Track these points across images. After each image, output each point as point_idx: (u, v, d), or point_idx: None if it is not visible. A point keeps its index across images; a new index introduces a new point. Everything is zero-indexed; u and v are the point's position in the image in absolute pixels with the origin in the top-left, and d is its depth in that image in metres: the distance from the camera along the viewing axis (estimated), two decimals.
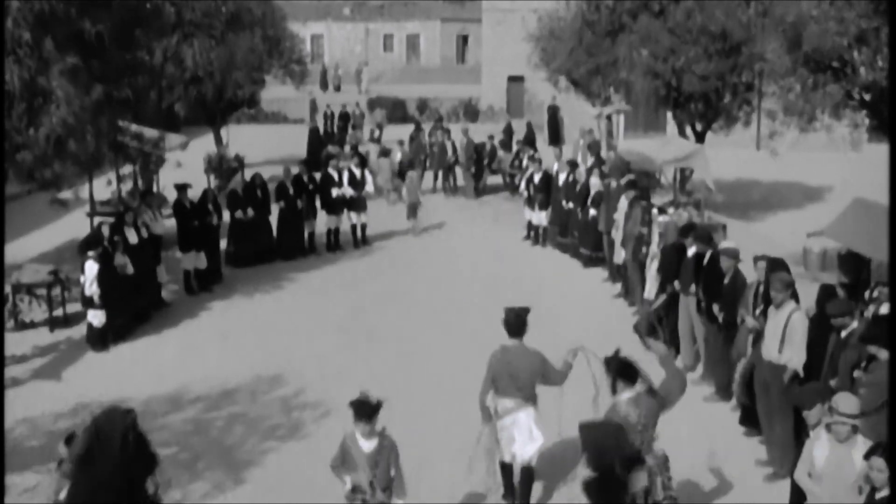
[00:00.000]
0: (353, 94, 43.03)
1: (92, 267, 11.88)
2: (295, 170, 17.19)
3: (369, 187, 17.76)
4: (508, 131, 24.95)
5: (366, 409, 6.33)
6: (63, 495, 5.56)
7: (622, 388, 6.60)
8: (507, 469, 7.98)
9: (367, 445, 6.41)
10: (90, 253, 12.01)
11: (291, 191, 16.56)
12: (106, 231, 12.63)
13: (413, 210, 18.79)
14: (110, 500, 5.22)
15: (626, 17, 18.65)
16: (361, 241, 17.60)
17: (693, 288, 10.65)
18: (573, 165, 17.19)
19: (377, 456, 6.40)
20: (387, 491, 6.45)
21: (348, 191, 17.18)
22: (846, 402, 6.16)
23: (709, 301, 10.15)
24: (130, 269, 12.52)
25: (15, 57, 9.81)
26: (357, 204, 17.40)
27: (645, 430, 6.43)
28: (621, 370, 6.59)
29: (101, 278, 11.88)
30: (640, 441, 6.38)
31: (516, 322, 7.67)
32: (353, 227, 17.50)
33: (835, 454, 6.14)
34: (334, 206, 17.16)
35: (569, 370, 7.55)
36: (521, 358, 7.59)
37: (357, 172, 17.53)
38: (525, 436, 7.67)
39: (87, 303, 12.07)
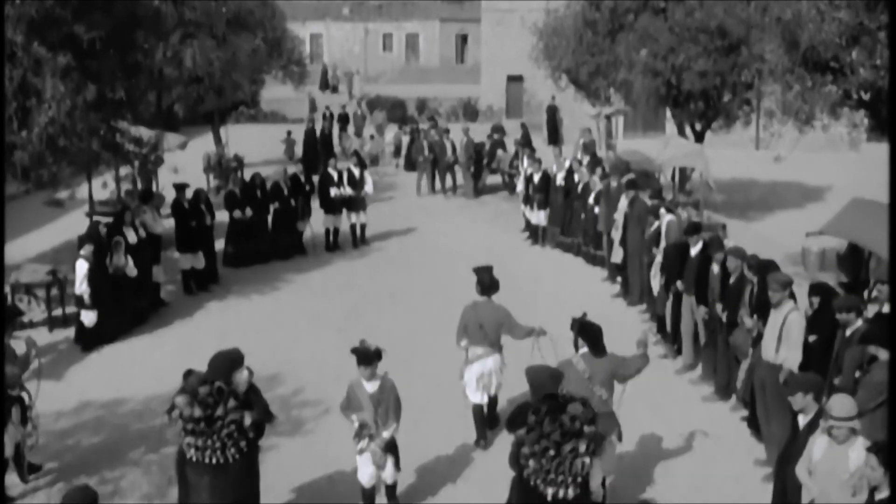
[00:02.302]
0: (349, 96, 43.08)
1: (82, 266, 11.83)
2: (291, 169, 17.22)
3: (368, 187, 17.76)
4: (501, 130, 24.75)
5: (365, 356, 7.36)
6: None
7: (581, 344, 7.64)
8: (478, 411, 9.18)
9: (370, 387, 7.42)
10: (81, 252, 11.95)
11: (286, 191, 16.63)
12: (103, 230, 12.59)
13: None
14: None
15: (626, 16, 18.65)
16: (361, 240, 17.62)
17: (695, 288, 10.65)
18: (579, 164, 17.22)
19: (379, 395, 7.40)
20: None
21: (347, 191, 17.20)
22: (840, 405, 6.14)
23: (713, 301, 10.14)
24: (134, 272, 12.49)
25: (9, 57, 9.81)
26: (356, 204, 17.44)
27: (591, 382, 7.38)
28: (582, 329, 7.62)
29: (92, 278, 11.84)
30: (587, 394, 7.08)
31: (486, 281, 9.10)
32: (353, 227, 17.53)
33: (830, 451, 6.17)
34: (333, 206, 17.19)
35: (529, 334, 8.91)
36: (488, 312, 9.00)
37: (356, 172, 17.55)
38: (490, 380, 9.08)
39: (78, 302, 12.04)
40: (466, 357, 9.10)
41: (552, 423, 6.03)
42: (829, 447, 6.19)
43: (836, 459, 6.11)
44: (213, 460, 6.59)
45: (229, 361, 6.89)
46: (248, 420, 6.65)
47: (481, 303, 9.10)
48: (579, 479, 6.08)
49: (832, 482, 6.10)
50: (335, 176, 17.22)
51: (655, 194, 13.85)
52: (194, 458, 6.63)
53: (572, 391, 6.82)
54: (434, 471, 8.72)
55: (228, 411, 6.58)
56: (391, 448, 7.54)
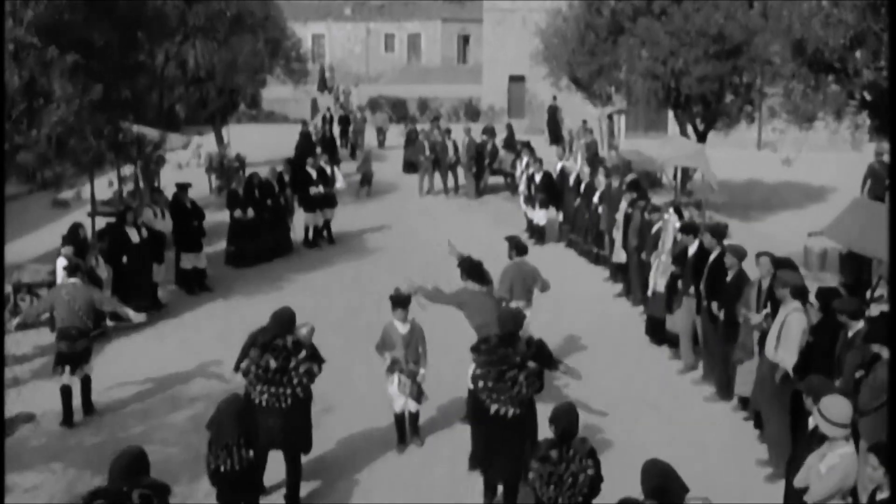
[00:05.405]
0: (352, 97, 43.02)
1: (62, 264, 11.78)
2: (280, 168, 17.55)
3: (339, 184, 18.15)
4: (491, 132, 24.72)
5: (400, 300, 8.86)
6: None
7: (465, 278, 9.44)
8: None
9: (402, 328, 8.87)
10: (63, 250, 11.87)
11: (276, 189, 16.83)
12: (83, 232, 12.55)
13: (367, 179, 22.34)
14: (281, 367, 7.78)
15: (627, 20, 18.66)
16: (327, 237, 18.00)
17: (692, 288, 10.63)
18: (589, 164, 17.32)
19: (409, 337, 8.84)
20: (416, 363, 8.86)
21: (322, 188, 17.53)
22: (836, 409, 6.05)
23: (710, 299, 10.14)
24: (104, 273, 12.42)
25: (16, 57, 9.83)
26: (329, 200, 17.76)
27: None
28: (462, 266, 9.33)
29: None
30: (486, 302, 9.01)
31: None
32: (326, 223, 17.90)
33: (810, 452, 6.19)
34: (312, 204, 17.46)
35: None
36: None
37: (328, 170, 17.88)
38: None
39: None
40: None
41: (497, 353, 7.46)
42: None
43: (812, 461, 6.11)
44: (285, 405, 7.78)
45: (292, 318, 8.03)
46: (317, 370, 7.93)
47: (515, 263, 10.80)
48: (521, 402, 7.39)
49: (811, 478, 6.12)
50: (313, 174, 17.50)
51: (642, 196, 13.88)
52: (264, 404, 7.77)
53: (477, 306, 8.69)
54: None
55: (300, 362, 7.83)
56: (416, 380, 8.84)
